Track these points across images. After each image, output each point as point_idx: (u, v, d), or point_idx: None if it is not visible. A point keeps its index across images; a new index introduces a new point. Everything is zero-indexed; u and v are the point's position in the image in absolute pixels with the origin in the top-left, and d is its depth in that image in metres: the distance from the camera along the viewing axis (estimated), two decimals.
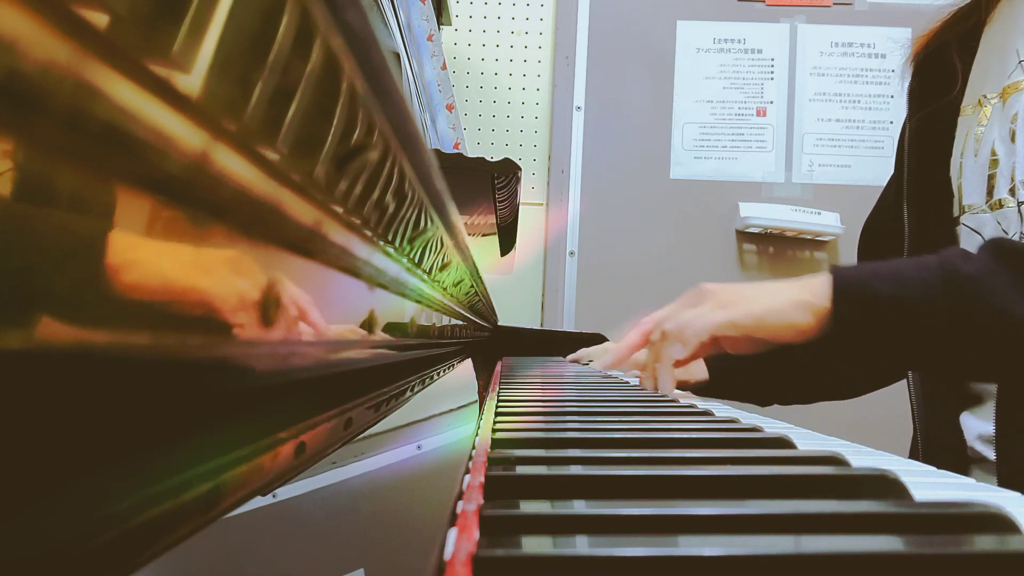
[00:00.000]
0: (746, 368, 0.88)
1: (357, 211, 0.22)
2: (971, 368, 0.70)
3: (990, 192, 0.75)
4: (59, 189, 0.09)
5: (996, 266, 0.60)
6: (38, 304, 0.09)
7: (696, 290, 0.70)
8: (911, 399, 0.85)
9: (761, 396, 0.94)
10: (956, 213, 0.80)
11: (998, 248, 0.61)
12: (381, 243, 0.26)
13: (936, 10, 0.86)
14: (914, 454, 0.84)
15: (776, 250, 2.00)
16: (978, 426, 0.76)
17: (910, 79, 0.88)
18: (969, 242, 0.77)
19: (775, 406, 0.93)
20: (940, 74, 0.83)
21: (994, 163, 0.75)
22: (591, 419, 0.41)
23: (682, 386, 0.86)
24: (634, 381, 0.68)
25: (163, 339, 0.13)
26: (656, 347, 0.68)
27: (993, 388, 0.74)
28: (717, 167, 2.02)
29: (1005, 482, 0.70)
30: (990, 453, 0.74)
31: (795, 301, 0.64)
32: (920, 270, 0.62)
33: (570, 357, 1.04)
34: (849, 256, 1.97)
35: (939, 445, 0.80)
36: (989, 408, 0.74)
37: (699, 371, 0.89)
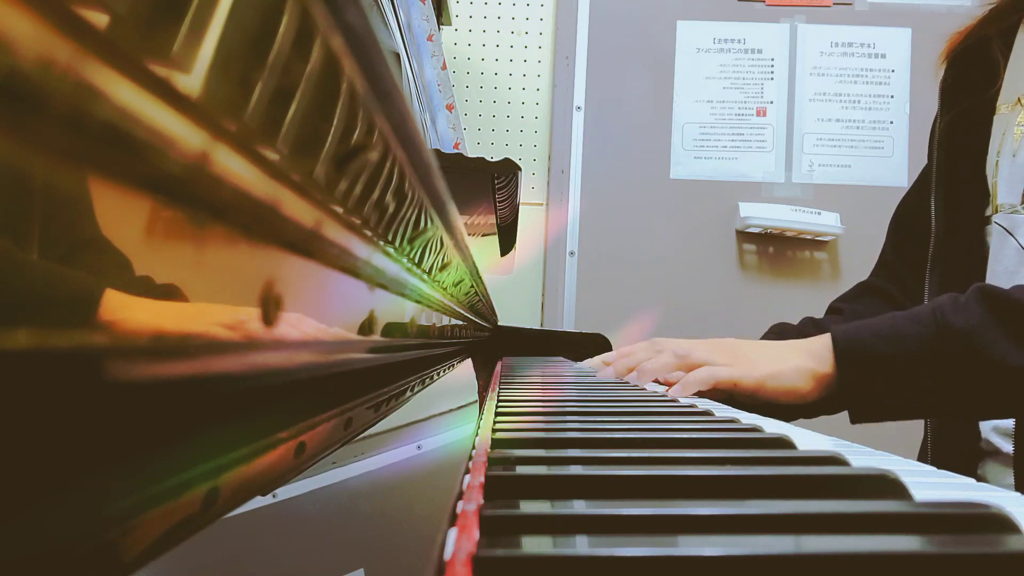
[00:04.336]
0: None
1: (357, 211, 0.22)
2: (972, 414, 0.74)
3: None
4: (59, 189, 0.09)
5: (987, 316, 0.62)
6: (38, 304, 0.09)
7: (707, 341, 0.72)
8: None
9: (786, 414, 0.94)
10: (989, 212, 0.80)
11: (986, 296, 0.64)
12: (381, 243, 0.26)
13: (945, 9, 0.86)
14: (924, 448, 0.84)
15: (776, 250, 2.00)
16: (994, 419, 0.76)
17: (944, 74, 0.88)
18: (1000, 241, 0.78)
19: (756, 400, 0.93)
20: (977, 68, 0.83)
21: None
22: (591, 419, 0.41)
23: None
24: (652, 386, 0.69)
25: (163, 339, 0.13)
26: (666, 366, 0.70)
27: None
28: (717, 167, 2.02)
29: (1022, 471, 0.71)
30: (1005, 445, 0.74)
31: (797, 368, 0.67)
32: (916, 324, 0.65)
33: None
34: (849, 256, 1.97)
35: (951, 438, 0.81)
36: None
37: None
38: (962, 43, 0.86)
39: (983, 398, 0.63)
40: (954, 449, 0.80)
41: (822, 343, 0.68)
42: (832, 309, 0.97)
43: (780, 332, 0.93)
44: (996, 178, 0.79)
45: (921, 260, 0.87)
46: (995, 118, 0.81)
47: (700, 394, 0.67)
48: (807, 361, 0.67)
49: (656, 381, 0.71)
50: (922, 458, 0.82)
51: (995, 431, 0.76)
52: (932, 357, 0.63)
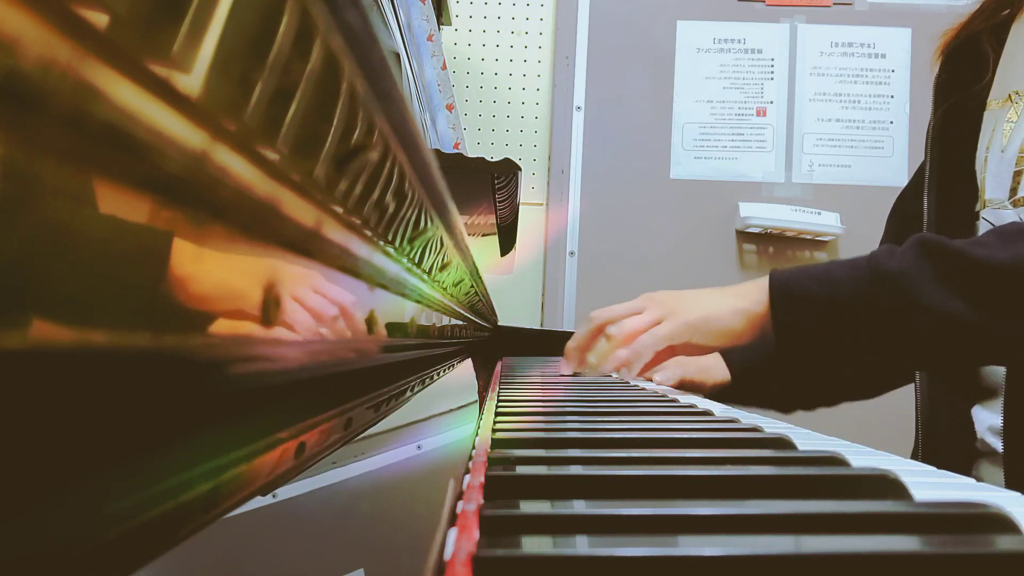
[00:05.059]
0: (765, 372, 0.89)
1: (357, 211, 0.22)
2: (902, 362, 0.74)
3: (1014, 189, 0.76)
4: (59, 189, 0.09)
5: (920, 261, 0.63)
6: (38, 303, 0.09)
7: (642, 297, 0.74)
8: (916, 393, 0.85)
9: (783, 402, 0.94)
10: (979, 207, 0.80)
11: (922, 244, 0.64)
12: (381, 243, 0.26)
13: (945, 9, 0.86)
14: (916, 449, 0.84)
15: (776, 250, 2.00)
16: (989, 419, 0.76)
17: (938, 71, 0.88)
18: None
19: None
20: (969, 64, 0.84)
21: (1021, 160, 0.75)
22: (591, 419, 0.41)
23: (697, 388, 0.86)
24: (651, 386, 0.69)
25: (163, 339, 0.13)
26: (602, 351, 0.72)
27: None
28: (717, 167, 2.02)
29: (1012, 474, 0.71)
30: (999, 445, 0.74)
31: (732, 308, 0.68)
32: (850, 270, 0.66)
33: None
34: (849, 256, 1.96)
35: (945, 439, 0.80)
36: (1001, 401, 0.74)
37: (718, 372, 0.89)
38: (955, 39, 0.86)
39: (913, 345, 0.63)
40: (947, 450, 0.79)
41: (757, 285, 0.69)
42: None
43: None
44: (985, 173, 0.79)
45: None
46: (985, 114, 0.81)
47: (657, 356, 0.70)
48: (741, 302, 0.68)
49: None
50: (913, 459, 0.81)
51: (990, 431, 0.76)
52: (863, 301, 0.63)
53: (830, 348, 0.66)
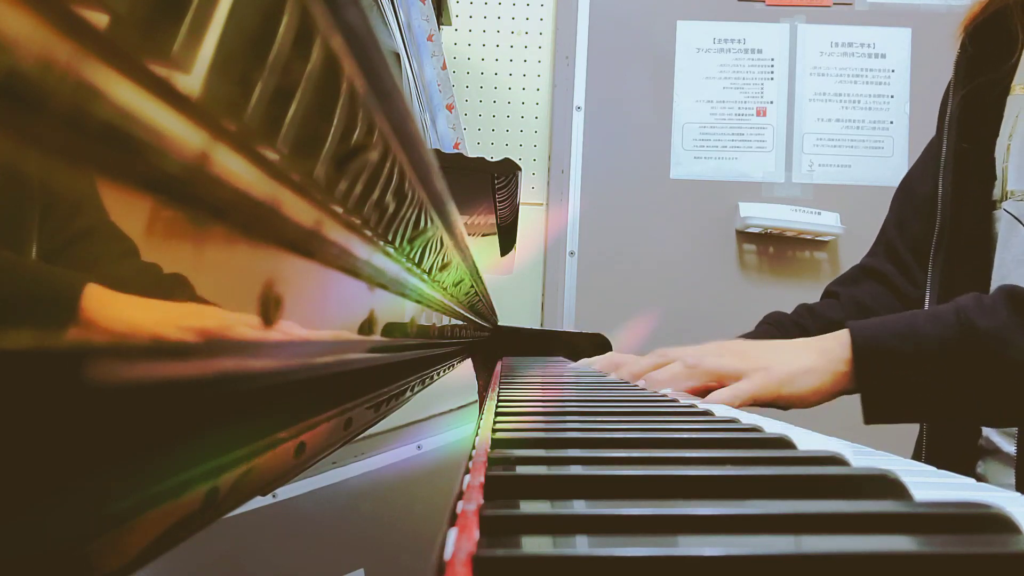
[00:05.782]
0: None
1: (357, 211, 0.22)
2: (990, 419, 0.71)
3: None
4: (59, 189, 0.09)
5: (1013, 319, 0.60)
6: (38, 303, 0.09)
7: (717, 344, 0.70)
8: None
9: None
10: (997, 197, 0.78)
11: (1013, 298, 0.61)
12: (381, 243, 0.26)
13: (945, 9, 0.84)
14: (918, 447, 0.83)
15: (776, 250, 2.00)
16: None
17: (960, 47, 0.84)
18: (1009, 229, 0.76)
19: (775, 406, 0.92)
20: (995, 41, 0.80)
21: None
22: (591, 419, 0.41)
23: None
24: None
25: (163, 339, 0.13)
26: (677, 376, 0.67)
27: None
28: (717, 167, 2.02)
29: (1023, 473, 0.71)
30: (1004, 444, 0.74)
31: (814, 369, 0.65)
32: (937, 325, 0.62)
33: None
34: (849, 256, 1.97)
35: (947, 435, 0.80)
36: None
37: None
38: (981, 13, 0.82)
39: (1003, 403, 0.61)
40: (950, 447, 0.79)
41: (838, 341, 0.65)
42: (828, 293, 0.95)
43: (776, 322, 0.92)
44: (1007, 163, 0.76)
45: (924, 241, 0.85)
46: (1008, 99, 0.78)
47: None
48: (822, 361, 0.65)
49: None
50: (916, 455, 0.81)
51: (996, 430, 0.75)
52: (953, 358, 0.60)
53: (914, 407, 0.63)
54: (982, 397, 0.61)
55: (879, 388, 0.63)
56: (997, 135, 0.79)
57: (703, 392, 0.66)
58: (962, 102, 0.82)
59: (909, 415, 0.66)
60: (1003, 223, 0.76)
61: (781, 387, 0.64)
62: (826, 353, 0.65)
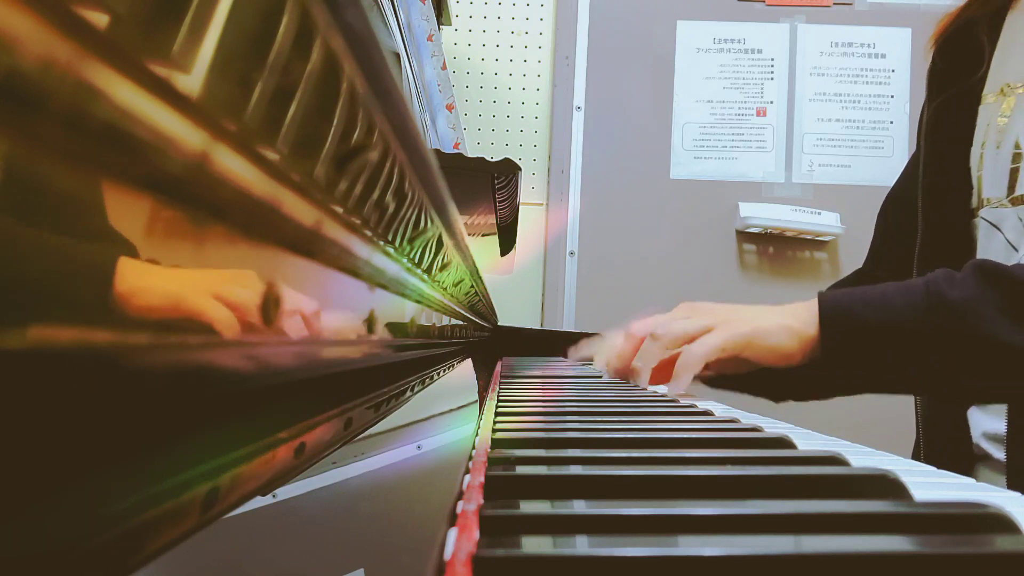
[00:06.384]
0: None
1: (357, 211, 0.22)
2: (958, 393, 0.70)
3: (1012, 186, 0.74)
4: (59, 189, 0.09)
5: (982, 291, 0.60)
6: (38, 304, 0.09)
7: (684, 305, 0.70)
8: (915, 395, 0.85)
9: (775, 391, 0.93)
10: (974, 205, 0.78)
11: (983, 271, 0.61)
12: (381, 243, 0.26)
13: (945, 9, 0.84)
14: (916, 451, 0.83)
15: (776, 250, 2.00)
16: (985, 422, 0.75)
17: (931, 61, 0.85)
18: (987, 236, 0.76)
19: (775, 405, 0.92)
20: (964, 54, 0.81)
21: (1018, 156, 0.73)
22: (591, 419, 0.41)
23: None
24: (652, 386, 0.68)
25: (163, 339, 0.13)
26: (648, 353, 0.68)
27: None
28: (717, 167, 2.02)
29: (1014, 481, 0.70)
30: (995, 451, 0.73)
31: (782, 325, 0.65)
32: (906, 295, 0.62)
33: (574, 355, 1.03)
34: (849, 256, 1.97)
35: (943, 442, 0.80)
36: (999, 406, 0.73)
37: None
38: (950, 27, 0.83)
39: (971, 376, 0.61)
40: (946, 453, 0.79)
41: (807, 306, 0.65)
42: None
43: None
44: (981, 171, 0.77)
45: (908, 251, 0.86)
46: (980, 108, 0.79)
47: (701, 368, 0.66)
48: (791, 321, 0.65)
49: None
50: (914, 459, 0.80)
51: (985, 437, 0.75)
52: (921, 329, 0.60)
53: (881, 375, 0.63)
54: (948, 369, 0.61)
55: (844, 354, 0.63)
56: (971, 144, 0.79)
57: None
58: (935, 113, 0.83)
59: (874, 385, 0.65)
60: (981, 230, 0.77)
61: (751, 339, 0.64)
62: (797, 316, 0.65)
